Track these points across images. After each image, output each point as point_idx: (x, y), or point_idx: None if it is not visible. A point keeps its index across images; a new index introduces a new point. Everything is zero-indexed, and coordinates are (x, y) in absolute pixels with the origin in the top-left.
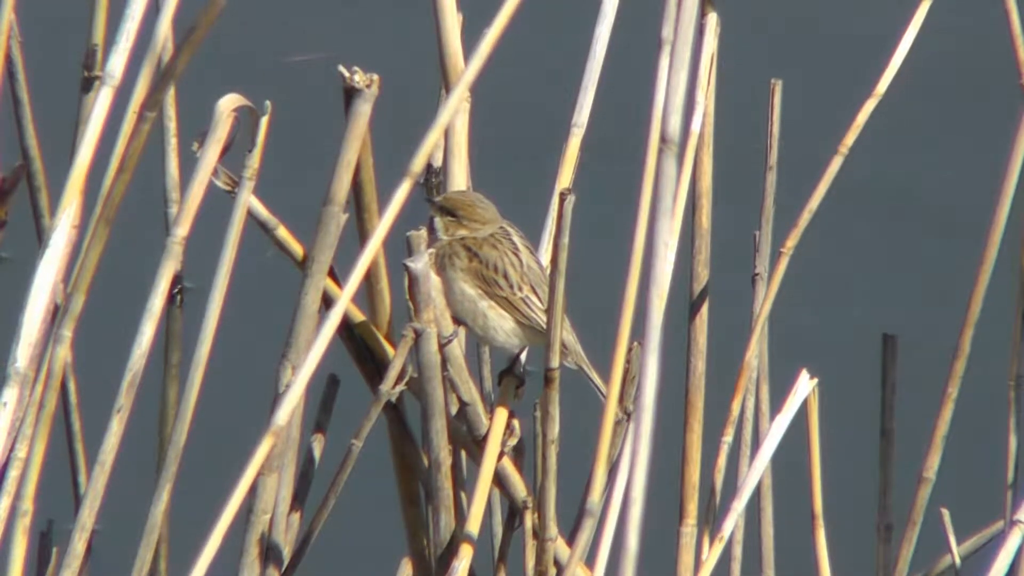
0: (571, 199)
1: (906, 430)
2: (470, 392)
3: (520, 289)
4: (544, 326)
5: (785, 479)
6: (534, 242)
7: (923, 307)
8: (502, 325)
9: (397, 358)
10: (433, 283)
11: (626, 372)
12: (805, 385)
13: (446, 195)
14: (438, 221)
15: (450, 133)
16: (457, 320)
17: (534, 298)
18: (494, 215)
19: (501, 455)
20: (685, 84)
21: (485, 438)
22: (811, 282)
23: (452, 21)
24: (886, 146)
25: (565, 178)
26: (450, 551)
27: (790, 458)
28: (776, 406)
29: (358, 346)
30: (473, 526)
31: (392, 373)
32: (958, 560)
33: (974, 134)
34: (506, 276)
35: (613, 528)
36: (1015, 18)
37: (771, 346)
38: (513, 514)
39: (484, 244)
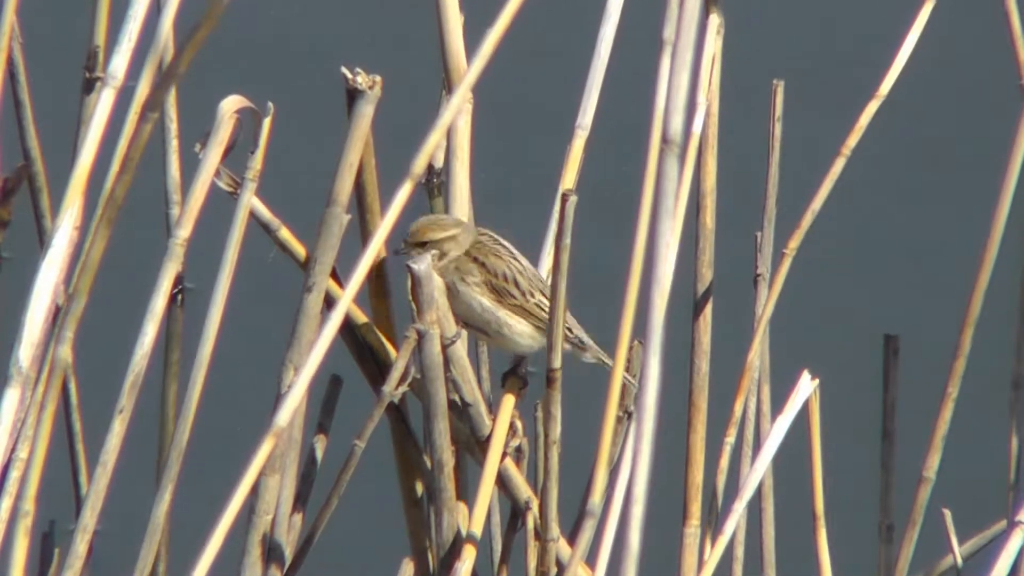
0: (573, 200)
1: (907, 430)
2: (473, 393)
3: (532, 295)
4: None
5: (786, 479)
6: (538, 243)
7: (924, 307)
8: (523, 331)
9: (400, 359)
10: (436, 284)
11: (627, 371)
12: (806, 385)
13: (409, 233)
14: (429, 257)
15: (453, 134)
16: (476, 329)
17: (545, 301)
18: (457, 221)
19: (504, 456)
20: (687, 85)
21: (488, 439)
22: (812, 282)
23: (455, 21)
24: (887, 147)
25: (569, 179)
26: (452, 552)
27: (791, 458)
28: (777, 407)
29: (360, 347)
30: (476, 527)
31: (395, 374)
32: (960, 561)
33: (974, 134)
34: (516, 284)
35: (615, 528)
36: (1015, 18)
37: (772, 346)
38: (516, 515)
39: (489, 254)
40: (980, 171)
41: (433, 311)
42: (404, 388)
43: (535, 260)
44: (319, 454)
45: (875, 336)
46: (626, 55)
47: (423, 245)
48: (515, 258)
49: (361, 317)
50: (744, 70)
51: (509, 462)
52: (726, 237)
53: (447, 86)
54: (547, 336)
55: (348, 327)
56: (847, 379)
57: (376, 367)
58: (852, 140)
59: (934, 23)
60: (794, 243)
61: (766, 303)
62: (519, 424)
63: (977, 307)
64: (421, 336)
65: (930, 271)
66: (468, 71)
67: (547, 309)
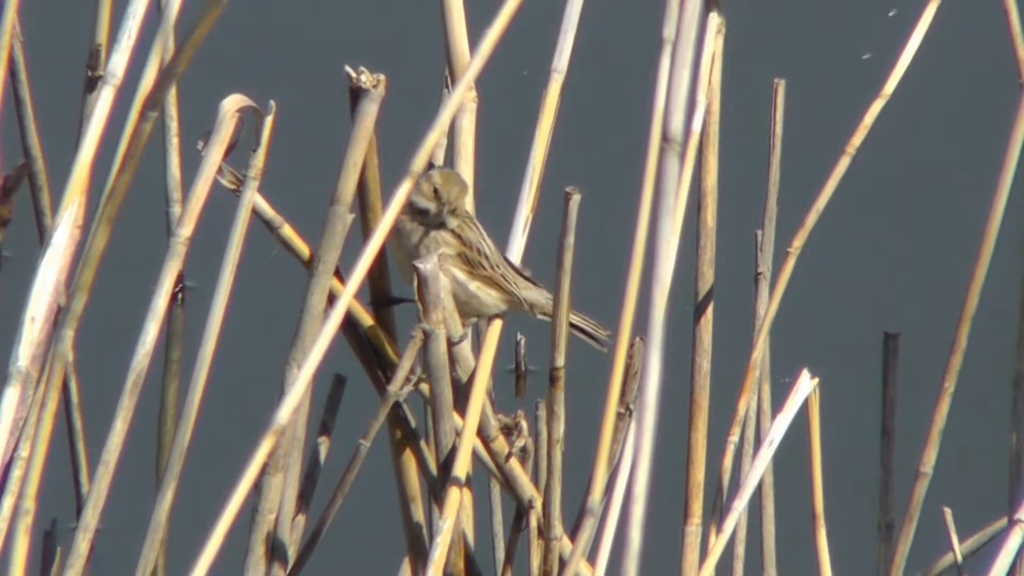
0: (576, 199)
1: (907, 429)
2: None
3: (498, 267)
4: (521, 297)
5: (786, 478)
6: (535, 240)
7: (925, 306)
8: (492, 302)
9: (406, 359)
10: (442, 284)
11: (628, 368)
12: (806, 384)
13: (446, 201)
14: (435, 257)
15: (456, 132)
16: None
17: (511, 274)
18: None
19: (509, 455)
20: (688, 83)
21: (493, 438)
22: (812, 281)
23: (459, 20)
24: (888, 145)
25: (546, 124)
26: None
27: (792, 457)
28: (777, 405)
29: (364, 347)
30: (453, 512)
31: (401, 374)
32: (960, 558)
33: (974, 134)
34: (487, 257)
35: (615, 525)
36: (1015, 18)
37: (771, 345)
38: (520, 515)
39: (464, 227)
40: (980, 171)
41: (439, 311)
42: (409, 388)
43: (529, 261)
44: (323, 454)
45: (875, 335)
46: (630, 53)
47: (454, 211)
48: (483, 240)
49: (363, 315)
50: (744, 69)
51: (514, 462)
52: (726, 235)
53: (451, 85)
54: (550, 334)
55: (352, 327)
56: (847, 378)
57: (379, 366)
58: (857, 139)
59: (934, 22)
60: (798, 242)
61: (770, 302)
62: (524, 424)
63: (974, 301)
64: (427, 336)
65: (930, 270)
66: (467, 69)
67: (512, 282)
